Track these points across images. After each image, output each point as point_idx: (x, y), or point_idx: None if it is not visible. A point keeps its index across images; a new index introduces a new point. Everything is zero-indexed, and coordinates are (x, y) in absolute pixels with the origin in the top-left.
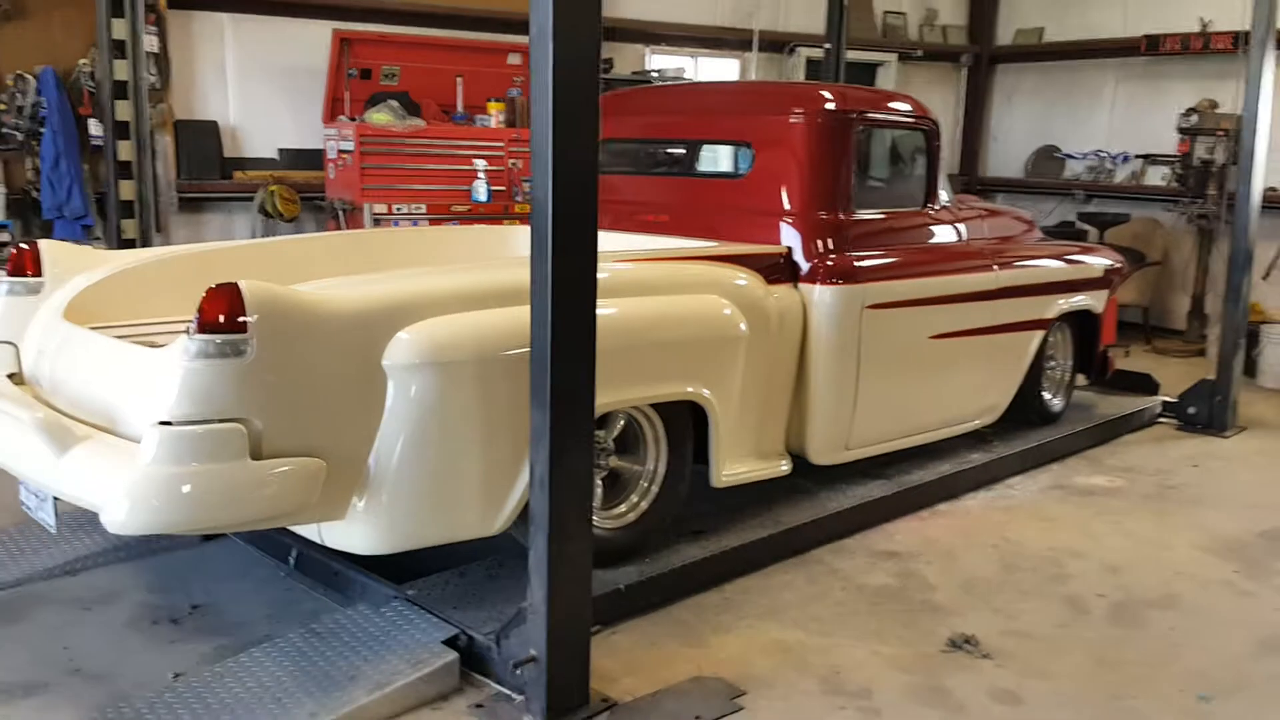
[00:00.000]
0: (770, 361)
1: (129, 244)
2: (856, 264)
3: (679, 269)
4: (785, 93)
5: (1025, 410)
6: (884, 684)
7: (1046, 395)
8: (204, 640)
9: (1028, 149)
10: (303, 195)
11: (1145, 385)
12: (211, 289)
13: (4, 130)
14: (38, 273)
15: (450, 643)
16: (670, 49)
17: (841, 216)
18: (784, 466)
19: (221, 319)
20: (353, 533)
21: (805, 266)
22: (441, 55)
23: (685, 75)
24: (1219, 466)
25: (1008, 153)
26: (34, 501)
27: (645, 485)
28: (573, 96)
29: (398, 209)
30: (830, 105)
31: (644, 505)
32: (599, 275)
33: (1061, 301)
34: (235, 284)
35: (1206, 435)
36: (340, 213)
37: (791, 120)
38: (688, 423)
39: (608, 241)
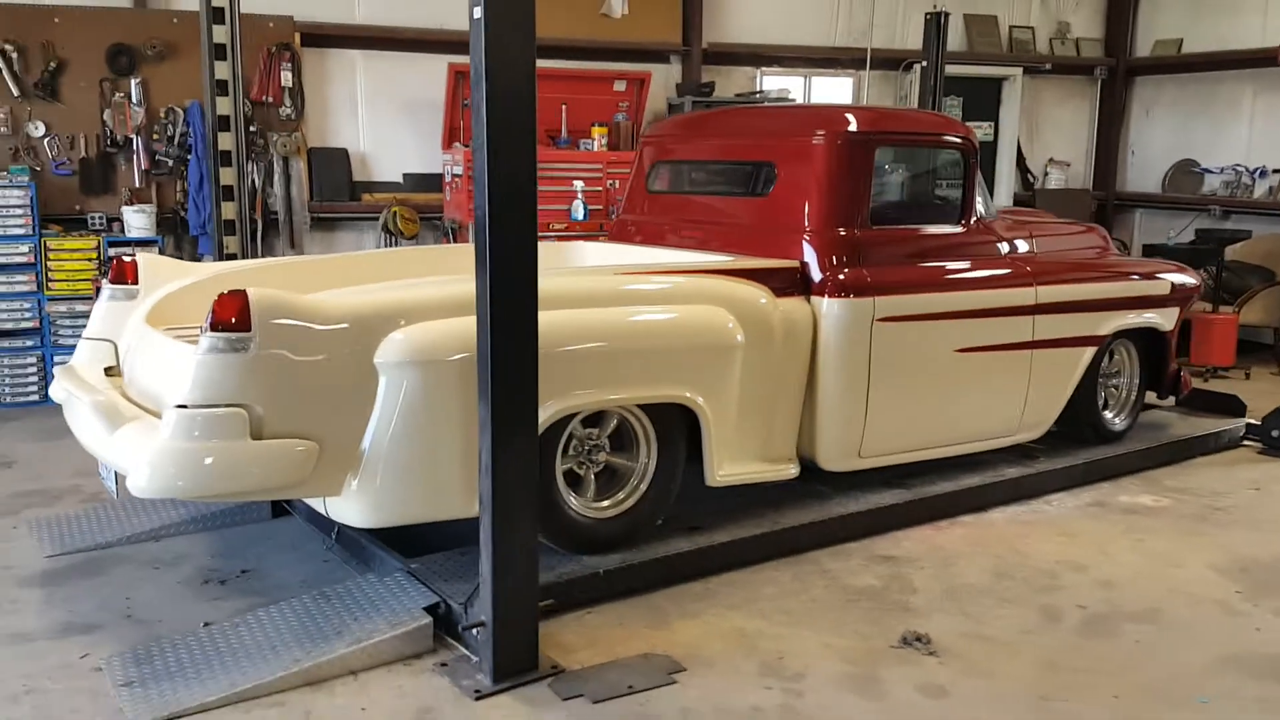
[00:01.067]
0: (775, 369)
1: (232, 258)
2: (868, 278)
3: (677, 282)
4: (808, 116)
5: (1080, 427)
6: (820, 671)
7: (1107, 413)
8: (241, 599)
9: (1166, 163)
10: (423, 215)
11: (1230, 407)
12: (223, 294)
13: (156, 157)
14: (135, 281)
15: (431, 609)
16: (782, 70)
17: (857, 233)
18: (791, 470)
19: (231, 320)
20: (348, 508)
21: (818, 280)
22: (552, 85)
23: (790, 96)
24: None
25: (1146, 167)
26: (104, 473)
27: (636, 481)
28: (508, 127)
29: None
30: (847, 127)
31: (633, 499)
32: (594, 286)
33: (1119, 319)
34: (244, 290)
35: None
36: (450, 230)
37: (810, 142)
38: (679, 424)
39: (636, 255)
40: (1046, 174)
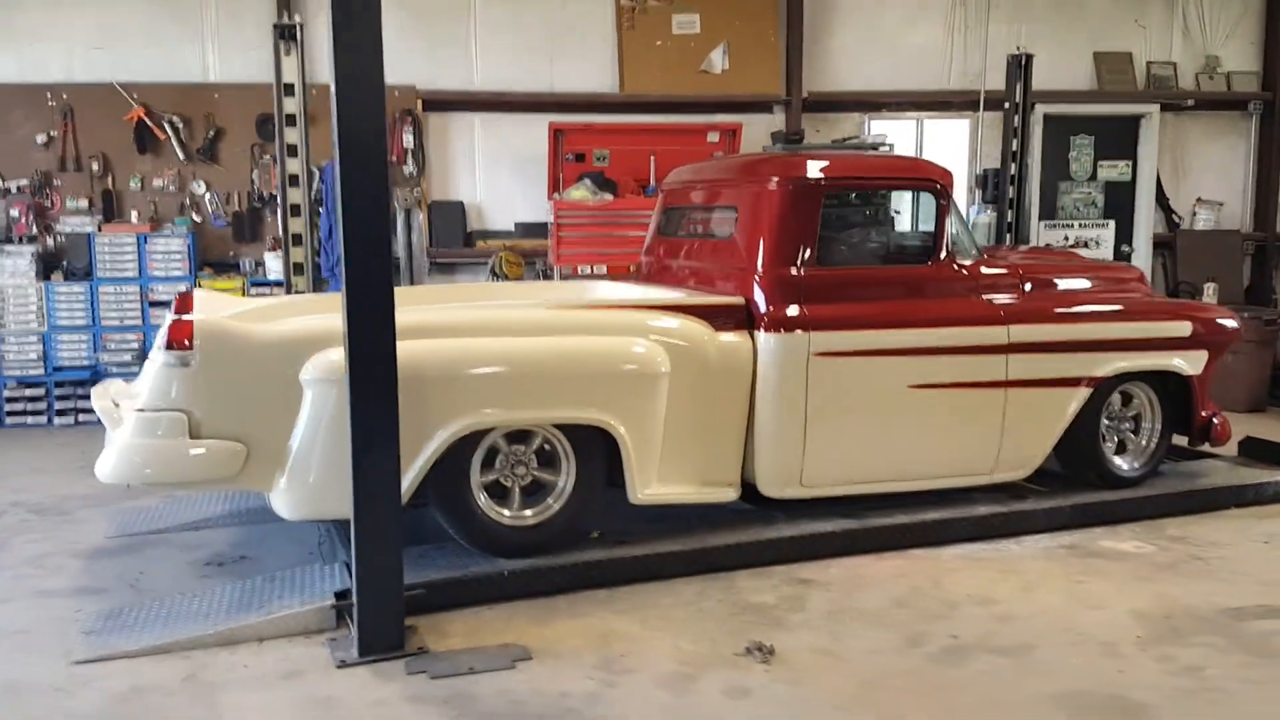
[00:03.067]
0: (711, 398)
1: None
2: (806, 314)
3: (609, 316)
4: (765, 163)
5: (1083, 470)
6: (650, 668)
7: (1116, 458)
8: (228, 578)
9: None
10: (531, 260)
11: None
12: (175, 320)
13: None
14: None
15: (341, 594)
16: (891, 115)
17: (803, 272)
18: (729, 494)
19: (180, 341)
20: (279, 502)
21: (761, 316)
22: (640, 138)
23: (887, 142)
24: None
25: None
26: None
27: (555, 495)
28: (360, 177)
29: (581, 269)
30: (793, 174)
31: (550, 512)
32: (523, 318)
33: (1120, 361)
34: (192, 319)
35: None
36: (542, 273)
37: (761, 187)
38: (598, 445)
39: (624, 292)
40: (1194, 214)
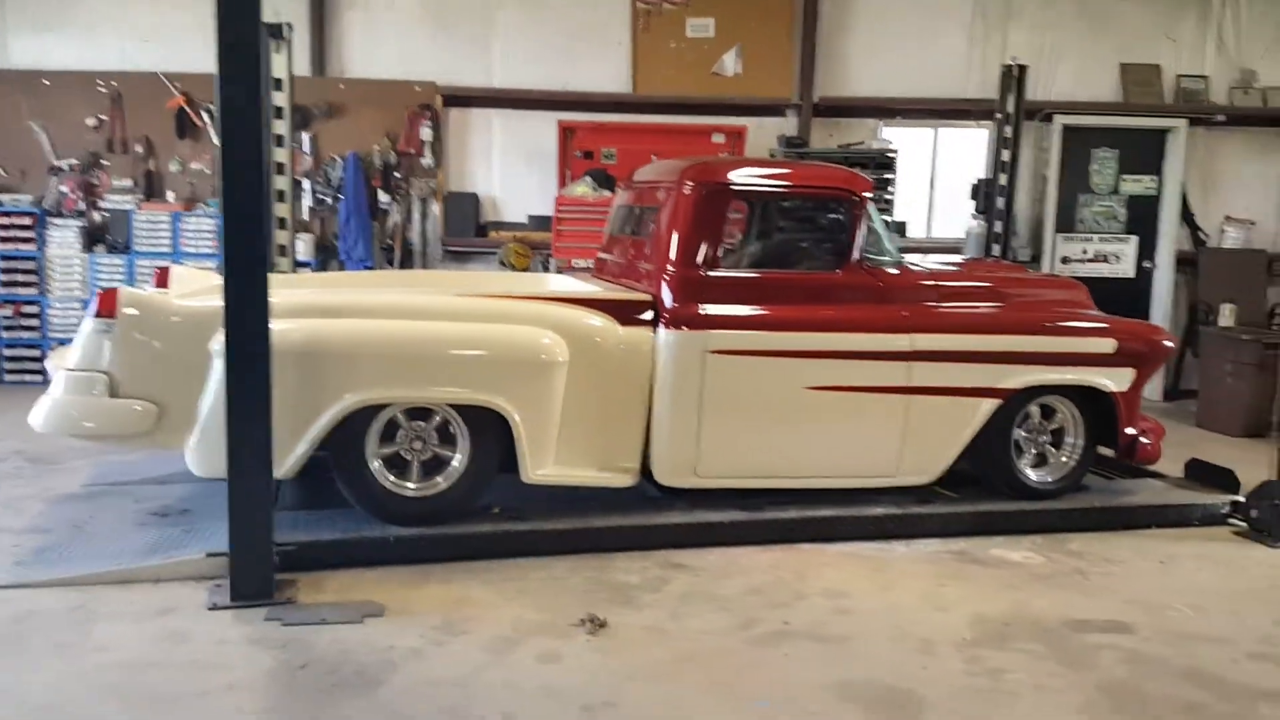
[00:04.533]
0: (610, 388)
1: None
2: (703, 313)
3: (513, 306)
4: (681, 168)
5: (995, 480)
6: (482, 632)
7: (1029, 470)
8: (163, 528)
9: None
10: (540, 250)
11: (1225, 482)
12: (101, 290)
13: (318, 196)
14: (165, 286)
15: None
16: (907, 122)
17: (706, 273)
18: (626, 480)
19: (105, 309)
20: (190, 459)
21: (663, 313)
22: (652, 138)
23: (893, 148)
24: (1190, 569)
25: None
26: None
27: (447, 471)
28: (239, 170)
29: (576, 262)
30: (703, 178)
31: (444, 486)
32: (430, 304)
33: (1030, 374)
34: (116, 289)
35: (1258, 543)
36: (544, 264)
37: (673, 190)
38: (492, 425)
39: (556, 284)
40: (1223, 232)
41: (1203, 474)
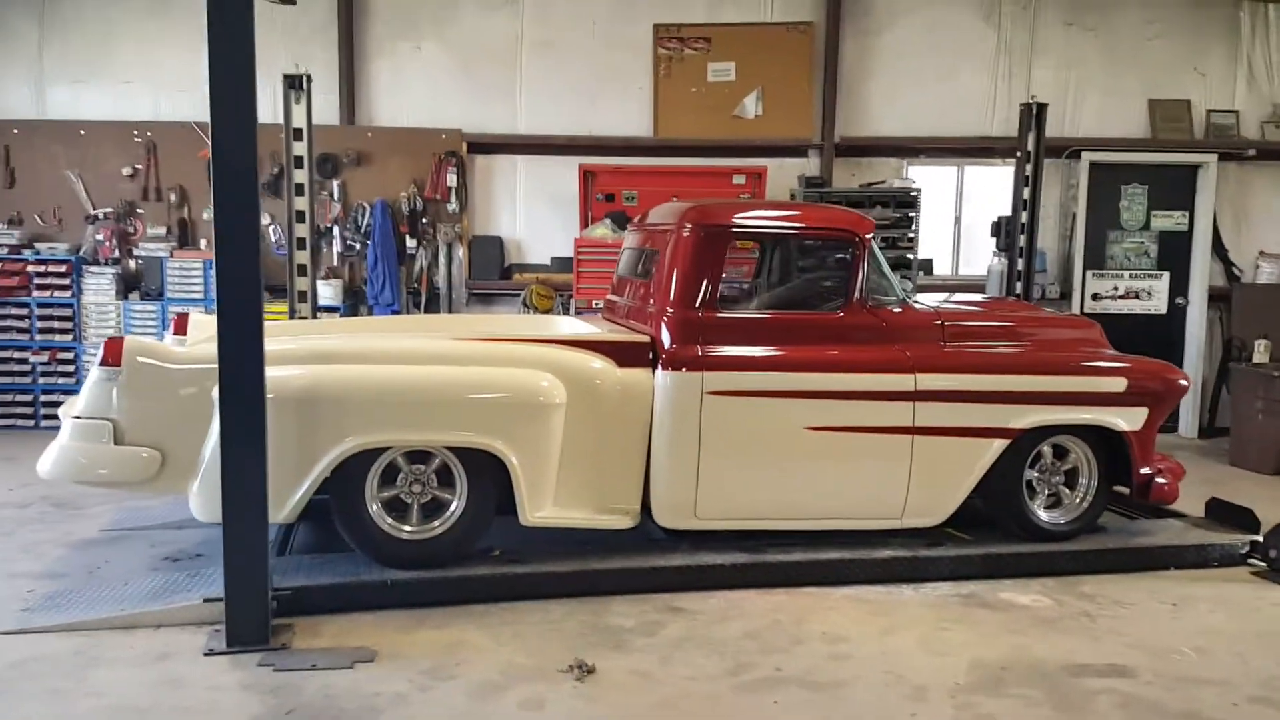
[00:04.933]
0: (609, 429)
1: (303, 318)
2: (701, 354)
3: (511, 349)
4: (681, 210)
5: (1006, 521)
6: (470, 677)
7: (1041, 512)
8: (172, 573)
9: None
10: (562, 292)
11: (1245, 521)
12: (109, 339)
13: (347, 243)
14: (183, 332)
15: None
16: (930, 161)
17: (703, 314)
18: (625, 522)
19: (110, 358)
20: (193, 505)
21: (661, 354)
22: (672, 180)
23: (915, 187)
24: (1201, 610)
25: None
26: None
27: (445, 513)
28: (233, 220)
29: (596, 303)
30: (702, 221)
31: (442, 529)
32: (436, 348)
33: (1040, 414)
34: (122, 338)
35: (1275, 584)
36: (564, 305)
37: (672, 233)
38: (489, 468)
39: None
40: (1257, 267)
41: (1223, 513)
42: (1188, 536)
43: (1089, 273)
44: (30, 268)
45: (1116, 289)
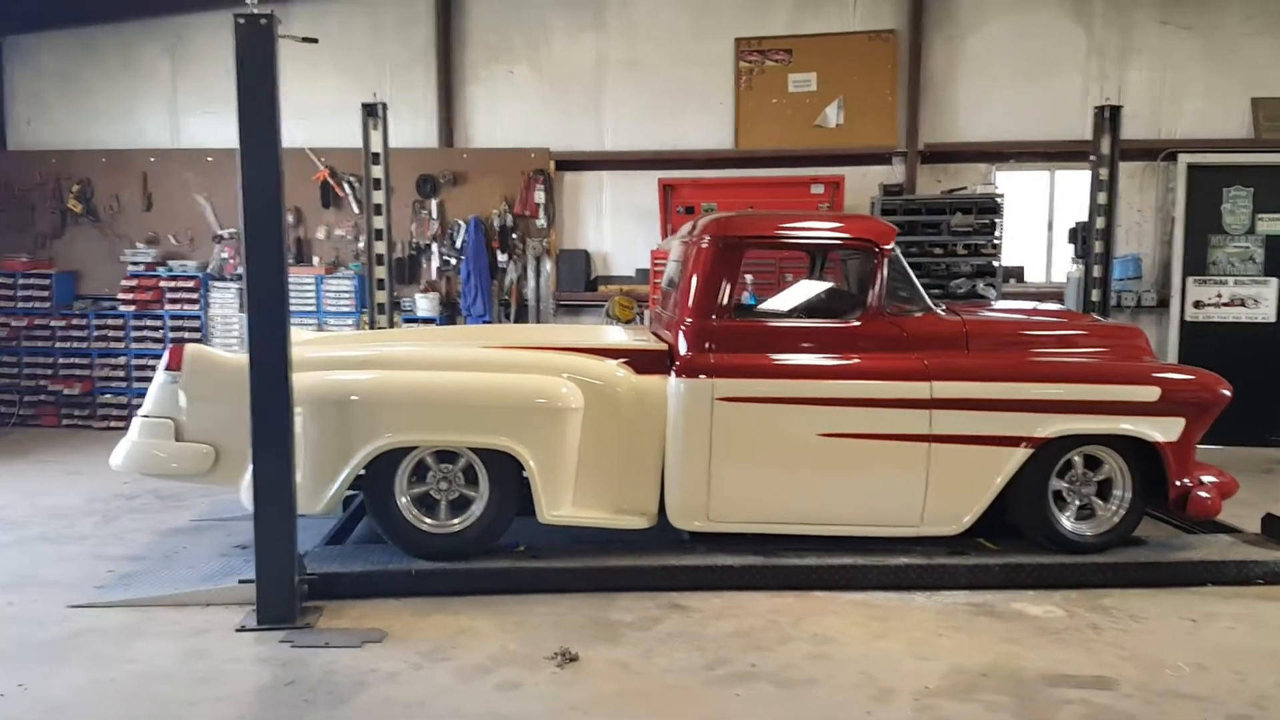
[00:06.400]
0: (626, 433)
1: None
2: (712, 361)
3: (532, 355)
4: (702, 221)
5: (1032, 531)
6: (463, 659)
7: (1067, 522)
8: (238, 558)
9: None
10: (643, 303)
11: None
12: (172, 346)
13: (444, 258)
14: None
15: None
16: (1019, 165)
17: (718, 322)
18: (641, 522)
19: (173, 363)
20: (244, 497)
21: (676, 361)
22: (751, 191)
23: (998, 193)
24: (1221, 627)
25: None
26: None
27: (467, 510)
28: (260, 230)
29: None
30: (720, 231)
31: (466, 524)
32: (464, 355)
33: (1066, 423)
34: (184, 344)
35: None
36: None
37: (692, 244)
38: (509, 467)
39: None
40: None
41: (1278, 530)
42: (1230, 552)
43: (1189, 279)
44: (163, 283)
45: (1220, 296)
